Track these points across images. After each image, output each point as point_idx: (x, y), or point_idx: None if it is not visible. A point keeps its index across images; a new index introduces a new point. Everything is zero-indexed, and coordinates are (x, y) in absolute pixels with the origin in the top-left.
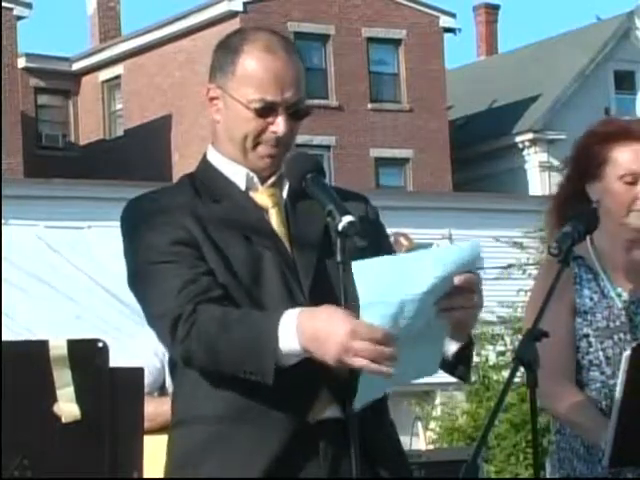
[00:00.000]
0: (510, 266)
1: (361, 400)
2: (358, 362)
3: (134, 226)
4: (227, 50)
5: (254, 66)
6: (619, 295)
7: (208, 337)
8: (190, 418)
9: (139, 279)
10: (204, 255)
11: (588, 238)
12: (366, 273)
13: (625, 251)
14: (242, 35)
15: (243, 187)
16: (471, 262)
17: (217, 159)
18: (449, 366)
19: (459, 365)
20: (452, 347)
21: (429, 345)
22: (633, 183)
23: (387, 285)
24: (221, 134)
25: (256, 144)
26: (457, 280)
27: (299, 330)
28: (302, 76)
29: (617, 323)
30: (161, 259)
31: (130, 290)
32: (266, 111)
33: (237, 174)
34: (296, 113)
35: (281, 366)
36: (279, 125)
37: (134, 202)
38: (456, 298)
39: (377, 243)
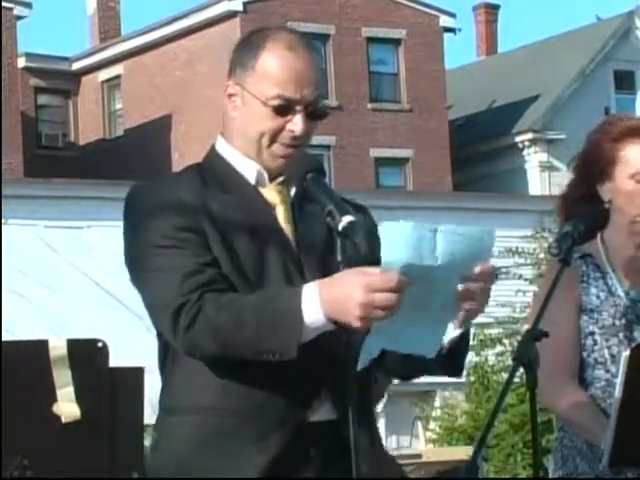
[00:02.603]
0: (507, 271)
1: (364, 361)
2: (380, 314)
3: (139, 208)
4: (248, 47)
5: (275, 63)
6: (627, 293)
7: (218, 323)
8: (184, 408)
9: (139, 260)
10: (210, 244)
11: (599, 236)
12: (391, 234)
13: (636, 249)
14: (264, 33)
15: (253, 182)
16: (484, 247)
17: (227, 151)
18: (443, 358)
19: (457, 355)
20: (450, 334)
21: (434, 326)
22: None
23: (406, 250)
24: (236, 131)
25: (272, 142)
26: (478, 269)
27: (322, 300)
28: (320, 76)
29: (623, 321)
30: (165, 243)
31: (126, 267)
32: (284, 109)
33: (247, 169)
34: (313, 113)
35: (303, 342)
36: (297, 124)
37: (141, 186)
38: (470, 290)
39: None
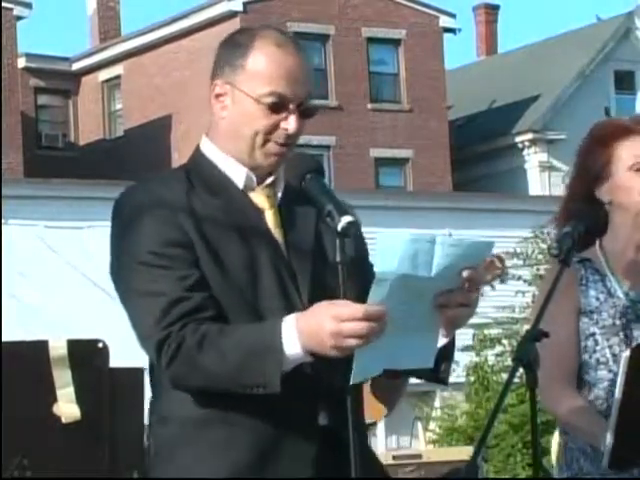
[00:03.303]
0: (505, 273)
1: (357, 377)
2: (352, 342)
3: (127, 217)
4: (236, 46)
5: (266, 61)
6: (626, 294)
7: (199, 358)
8: (173, 417)
9: (123, 275)
10: (198, 257)
11: (597, 243)
12: (388, 245)
13: (636, 252)
14: (251, 32)
15: (241, 186)
16: (479, 257)
17: (214, 153)
18: (431, 367)
19: (442, 363)
20: (438, 343)
21: (426, 334)
22: None
23: (402, 262)
24: (225, 131)
25: (265, 141)
26: (465, 273)
27: (299, 332)
28: (310, 74)
29: (623, 320)
30: (150, 261)
31: (111, 279)
32: (278, 107)
33: (235, 172)
34: (305, 111)
35: (284, 373)
36: (290, 122)
37: (129, 192)
38: (456, 295)
39: (361, 260)
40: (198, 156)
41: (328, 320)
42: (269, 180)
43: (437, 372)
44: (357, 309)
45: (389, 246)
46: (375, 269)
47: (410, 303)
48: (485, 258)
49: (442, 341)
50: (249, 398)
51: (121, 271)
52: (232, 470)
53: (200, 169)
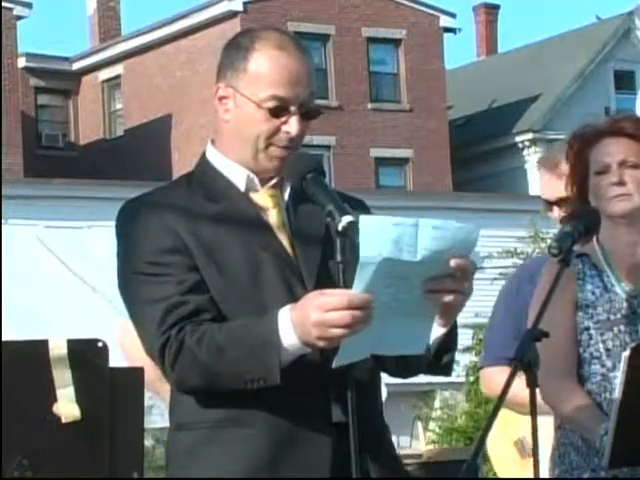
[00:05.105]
0: (506, 273)
1: (341, 359)
2: (336, 332)
3: (125, 230)
4: (238, 48)
5: (267, 64)
6: (623, 290)
7: (199, 357)
8: (188, 423)
9: (125, 288)
10: (196, 262)
11: (595, 238)
12: (370, 229)
13: (629, 250)
14: (253, 33)
15: (243, 188)
16: (466, 244)
17: (217, 159)
18: (429, 357)
19: (443, 354)
20: (436, 333)
21: (418, 321)
22: (604, 172)
23: (385, 245)
24: (228, 134)
25: (268, 144)
26: (453, 262)
27: (293, 324)
28: (313, 75)
29: (618, 316)
30: (147, 270)
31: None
32: (279, 110)
33: (237, 175)
34: (307, 113)
35: (284, 365)
36: (292, 125)
37: (127, 205)
38: (447, 281)
39: None
40: (203, 163)
41: (313, 310)
42: (273, 181)
43: (438, 363)
44: (341, 299)
45: (372, 230)
46: (360, 254)
47: (397, 288)
48: (473, 243)
49: (440, 330)
50: (261, 397)
51: (123, 284)
52: (249, 470)
53: (204, 176)
